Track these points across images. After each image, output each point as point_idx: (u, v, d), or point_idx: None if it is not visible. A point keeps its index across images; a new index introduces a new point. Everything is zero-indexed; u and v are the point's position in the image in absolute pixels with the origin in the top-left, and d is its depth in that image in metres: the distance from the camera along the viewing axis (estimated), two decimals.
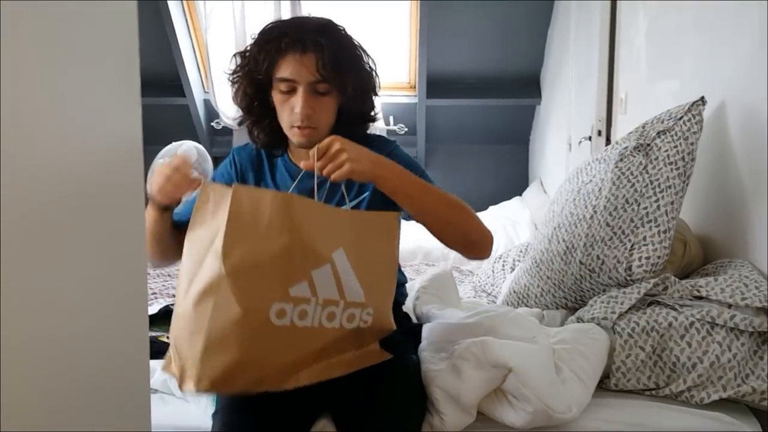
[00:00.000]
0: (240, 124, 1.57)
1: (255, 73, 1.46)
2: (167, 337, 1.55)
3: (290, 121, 1.45)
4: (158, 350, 1.51)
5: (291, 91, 1.43)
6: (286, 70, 1.42)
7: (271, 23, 1.48)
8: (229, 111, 4.30)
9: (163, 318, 1.68)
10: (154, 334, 1.57)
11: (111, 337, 0.83)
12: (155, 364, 1.45)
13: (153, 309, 1.72)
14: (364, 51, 1.50)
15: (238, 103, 1.54)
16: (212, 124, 4.41)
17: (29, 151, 0.66)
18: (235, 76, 1.51)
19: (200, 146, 3.75)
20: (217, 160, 4.82)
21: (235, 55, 1.51)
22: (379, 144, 1.54)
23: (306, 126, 1.43)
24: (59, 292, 0.71)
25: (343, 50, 1.44)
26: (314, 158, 1.26)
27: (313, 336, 1.16)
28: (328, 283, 1.16)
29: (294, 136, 1.46)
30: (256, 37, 1.48)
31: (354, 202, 1.46)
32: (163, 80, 4.28)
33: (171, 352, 1.19)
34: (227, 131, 4.44)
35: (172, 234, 1.43)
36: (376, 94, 1.55)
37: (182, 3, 4.09)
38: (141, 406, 0.91)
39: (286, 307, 1.12)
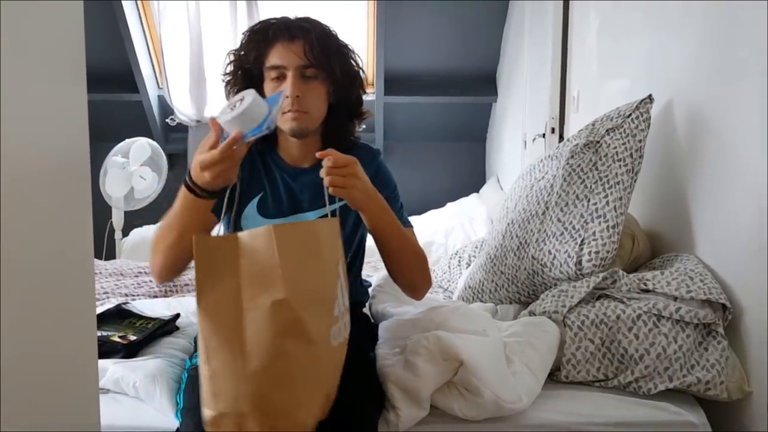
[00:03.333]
0: None
1: (245, 64, 1.49)
2: (119, 337, 1.53)
3: (281, 107, 1.45)
4: (109, 350, 1.50)
5: (280, 78, 1.46)
6: (274, 56, 1.45)
7: (259, 21, 1.51)
8: (184, 108, 4.24)
9: (114, 317, 1.65)
10: (105, 333, 1.54)
11: (56, 336, 0.81)
12: (106, 364, 1.44)
13: (104, 308, 1.69)
14: (350, 48, 1.55)
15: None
16: (167, 120, 4.34)
17: None
18: (226, 75, 1.53)
19: (154, 143, 3.72)
20: (171, 158, 4.72)
21: (228, 54, 1.53)
22: (365, 154, 1.56)
23: (296, 110, 1.44)
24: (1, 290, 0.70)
25: (330, 38, 1.49)
26: (326, 163, 1.26)
27: (341, 349, 1.18)
28: (343, 295, 1.17)
29: (285, 122, 1.47)
30: (246, 33, 1.51)
31: (339, 204, 1.45)
32: (115, 76, 4.20)
33: (221, 410, 1.05)
34: (182, 128, 4.38)
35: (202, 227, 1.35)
36: (364, 91, 1.58)
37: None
38: (89, 406, 0.90)
39: (334, 328, 1.13)
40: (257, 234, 1.07)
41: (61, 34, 0.81)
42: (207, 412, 1.06)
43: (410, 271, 1.49)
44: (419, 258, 1.49)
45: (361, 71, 1.56)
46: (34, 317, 0.76)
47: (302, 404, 1.08)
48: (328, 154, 1.27)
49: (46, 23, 0.78)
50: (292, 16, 1.51)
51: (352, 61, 1.54)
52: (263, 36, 1.47)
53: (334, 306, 1.13)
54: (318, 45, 1.44)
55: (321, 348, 1.09)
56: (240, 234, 1.08)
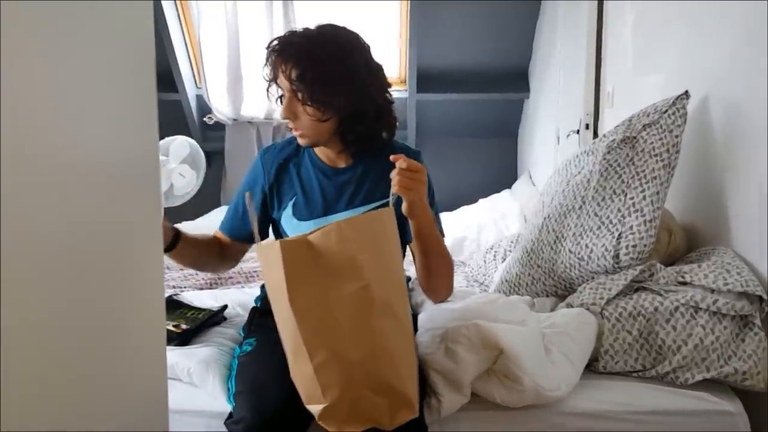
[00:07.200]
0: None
1: (270, 80, 1.54)
2: (172, 326, 1.60)
3: None
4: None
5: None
6: (278, 77, 1.51)
7: (275, 38, 1.53)
8: (221, 106, 4.31)
9: (167, 307, 1.71)
10: None
11: (127, 324, 0.85)
12: None
13: None
14: (357, 69, 1.49)
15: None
16: (204, 119, 4.42)
17: (48, 148, 0.69)
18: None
19: (193, 141, 3.77)
20: (209, 156, 4.78)
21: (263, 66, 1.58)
22: (408, 155, 1.56)
23: (294, 129, 1.53)
24: (77, 286, 0.74)
25: (322, 64, 1.45)
26: (399, 164, 1.35)
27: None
28: None
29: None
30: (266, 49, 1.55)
31: (382, 202, 1.58)
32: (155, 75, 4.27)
33: (334, 400, 1.14)
34: (220, 126, 4.45)
35: (206, 253, 1.68)
36: (374, 97, 1.55)
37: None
38: (158, 386, 0.95)
39: (408, 305, 1.29)
40: (328, 231, 1.16)
41: (132, 35, 0.85)
42: (317, 407, 1.15)
43: (439, 278, 1.57)
44: (449, 267, 1.58)
45: (370, 93, 1.53)
46: (109, 307, 0.80)
47: (404, 377, 1.17)
48: (400, 158, 1.35)
49: (117, 24, 0.82)
50: (300, 27, 1.51)
51: (358, 83, 1.49)
52: (270, 54, 1.50)
53: (405, 285, 1.26)
54: (304, 71, 1.44)
55: (406, 324, 1.21)
56: (310, 237, 1.16)
